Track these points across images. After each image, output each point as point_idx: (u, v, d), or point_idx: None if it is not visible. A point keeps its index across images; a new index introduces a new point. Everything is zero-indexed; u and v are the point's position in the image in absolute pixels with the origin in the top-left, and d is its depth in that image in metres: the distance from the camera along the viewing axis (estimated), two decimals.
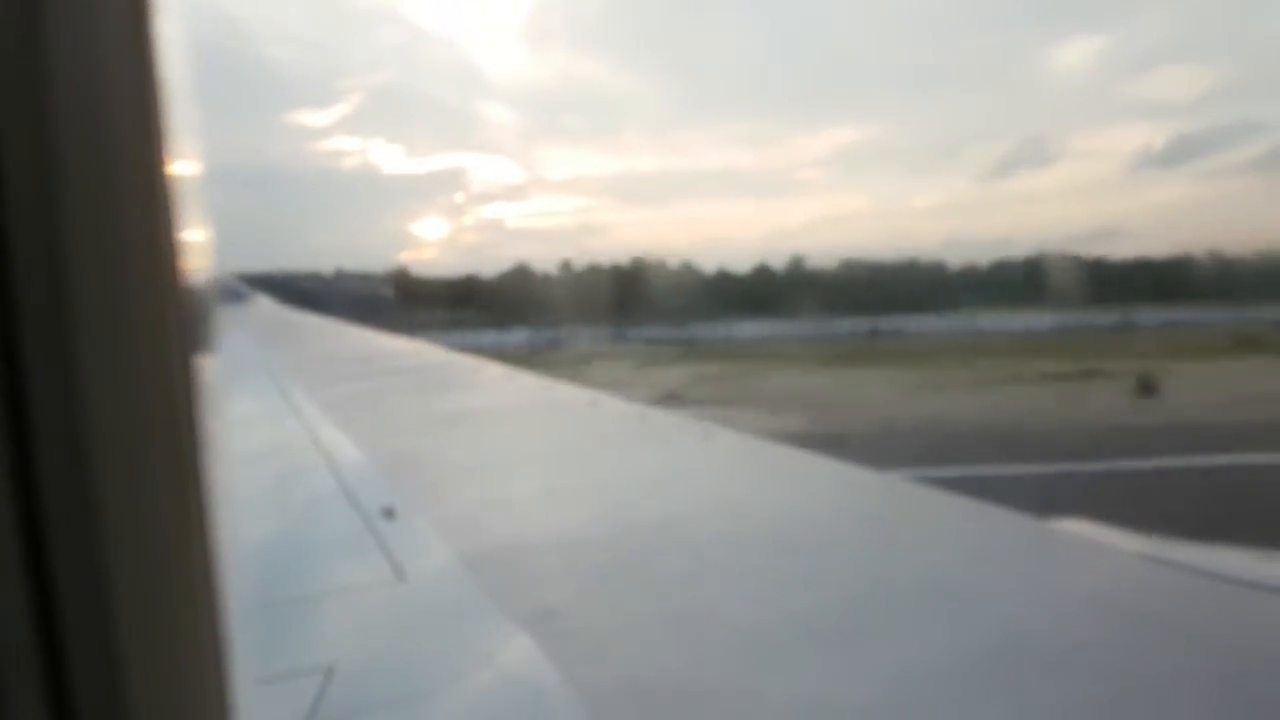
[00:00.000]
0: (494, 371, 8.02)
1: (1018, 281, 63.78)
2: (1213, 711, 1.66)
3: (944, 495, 3.16)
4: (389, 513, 3.12)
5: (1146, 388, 21.06)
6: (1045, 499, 9.74)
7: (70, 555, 0.43)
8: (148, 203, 0.47)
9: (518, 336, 50.16)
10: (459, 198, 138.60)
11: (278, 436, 5.08)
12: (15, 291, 0.41)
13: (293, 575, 2.67)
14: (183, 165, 0.52)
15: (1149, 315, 52.01)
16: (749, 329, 53.43)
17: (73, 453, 0.43)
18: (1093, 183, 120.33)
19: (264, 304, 23.04)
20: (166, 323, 0.48)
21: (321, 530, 3.21)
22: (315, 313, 21.33)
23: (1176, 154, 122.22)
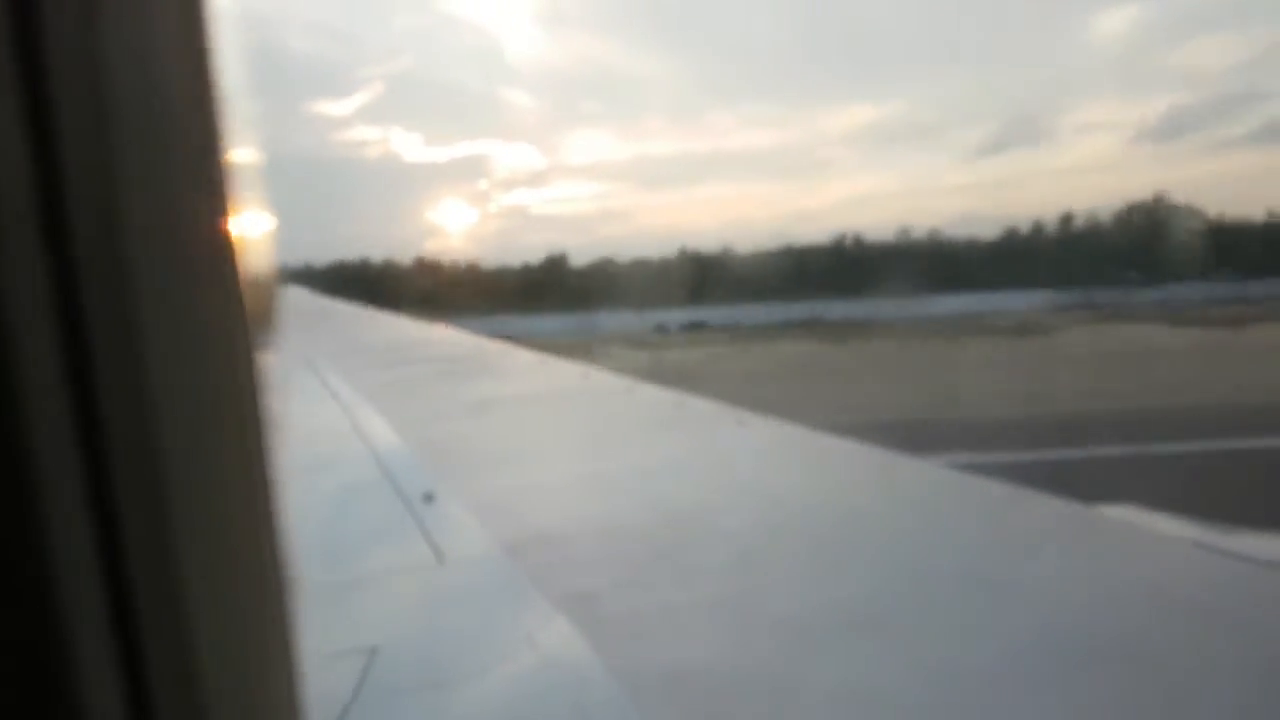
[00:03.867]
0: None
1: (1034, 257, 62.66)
2: (1260, 698, 1.64)
3: (987, 481, 3.12)
4: (429, 497, 3.16)
5: None
6: None
7: (142, 539, 0.44)
8: (209, 196, 0.48)
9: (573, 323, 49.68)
10: (481, 184, 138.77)
11: (319, 423, 5.16)
12: (80, 283, 0.42)
13: (338, 558, 2.72)
14: (242, 157, 0.53)
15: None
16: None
17: (142, 440, 0.44)
18: (1118, 155, 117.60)
19: (297, 293, 23.22)
20: (231, 312, 0.49)
21: (364, 514, 3.27)
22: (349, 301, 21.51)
23: (1197, 123, 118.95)
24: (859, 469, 3.60)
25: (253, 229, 0.56)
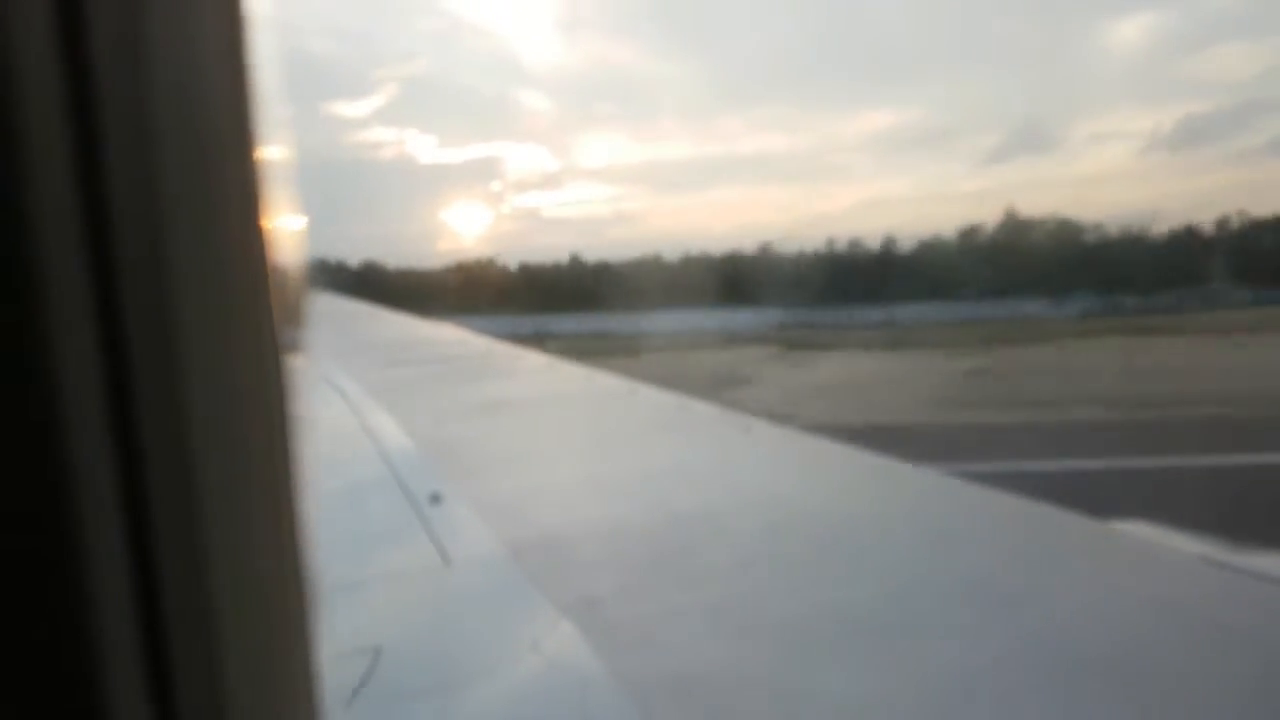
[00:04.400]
0: None
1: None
2: (1268, 715, 1.63)
3: (993, 492, 3.11)
4: (436, 498, 3.17)
5: None
6: None
7: (172, 541, 0.44)
8: (248, 201, 0.49)
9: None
10: (495, 186, 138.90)
11: (328, 423, 5.17)
12: (121, 284, 0.43)
13: (343, 557, 2.72)
14: (277, 157, 0.54)
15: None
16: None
17: (175, 439, 0.45)
18: (1133, 164, 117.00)
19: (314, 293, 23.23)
20: (264, 314, 0.49)
21: (370, 514, 3.27)
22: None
23: (1215, 132, 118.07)
24: (863, 477, 3.60)
25: (286, 231, 0.56)
